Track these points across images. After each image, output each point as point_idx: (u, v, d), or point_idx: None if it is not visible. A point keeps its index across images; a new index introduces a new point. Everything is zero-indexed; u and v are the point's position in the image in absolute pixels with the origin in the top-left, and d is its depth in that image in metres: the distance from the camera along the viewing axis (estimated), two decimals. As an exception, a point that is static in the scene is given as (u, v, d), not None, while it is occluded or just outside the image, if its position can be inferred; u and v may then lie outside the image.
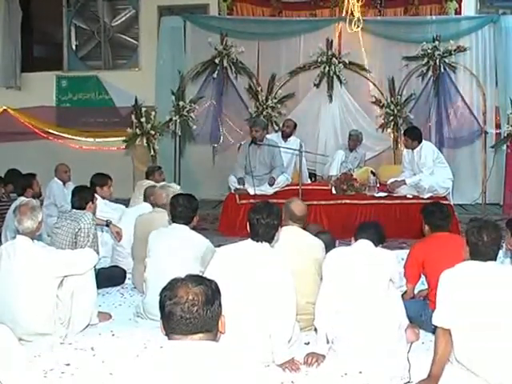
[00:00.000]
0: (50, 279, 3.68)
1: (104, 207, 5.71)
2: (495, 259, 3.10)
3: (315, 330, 3.62)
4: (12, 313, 3.58)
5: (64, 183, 6.86)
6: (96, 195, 5.12)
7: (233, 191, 7.14)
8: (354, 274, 3.48)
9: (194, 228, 4.22)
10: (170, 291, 1.91)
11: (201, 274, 2.98)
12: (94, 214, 4.81)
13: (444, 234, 4.03)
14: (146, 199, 5.54)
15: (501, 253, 4.59)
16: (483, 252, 3.03)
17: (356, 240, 3.66)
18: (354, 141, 7.93)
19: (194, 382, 1.78)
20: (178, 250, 3.99)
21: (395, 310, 3.51)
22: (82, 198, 4.72)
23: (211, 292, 1.93)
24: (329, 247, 4.02)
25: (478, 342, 2.91)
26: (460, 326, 2.96)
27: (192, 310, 1.87)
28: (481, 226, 3.06)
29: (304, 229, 4.14)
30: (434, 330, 3.21)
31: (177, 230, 4.12)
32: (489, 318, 2.91)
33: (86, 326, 3.95)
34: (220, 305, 1.95)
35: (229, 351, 1.90)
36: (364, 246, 3.59)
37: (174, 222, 4.16)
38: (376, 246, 3.63)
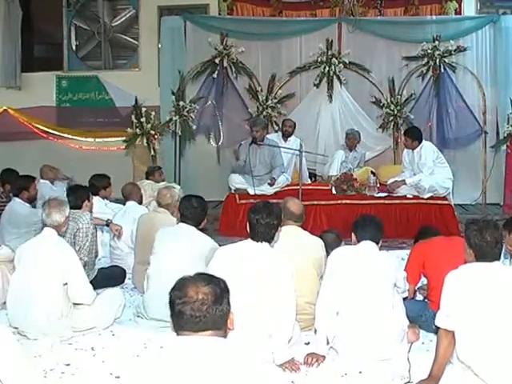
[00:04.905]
0: (59, 279, 3.77)
1: (105, 208, 5.72)
2: (499, 258, 3.09)
3: (315, 331, 3.62)
4: (25, 306, 3.69)
5: (52, 182, 6.93)
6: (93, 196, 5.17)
7: (233, 191, 7.15)
8: (356, 275, 3.47)
9: (201, 230, 4.21)
10: (179, 291, 1.93)
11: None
12: (90, 212, 4.83)
13: (443, 237, 4.05)
14: (126, 198, 5.65)
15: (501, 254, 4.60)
16: (489, 253, 3.01)
17: (357, 238, 3.64)
18: (351, 139, 7.94)
19: (203, 376, 1.80)
20: (183, 249, 3.99)
21: (396, 312, 3.51)
22: (78, 197, 4.74)
23: (220, 291, 1.95)
24: (333, 246, 4.02)
25: (483, 343, 2.89)
26: (465, 328, 2.94)
27: (201, 308, 1.89)
28: (482, 227, 3.04)
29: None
30: (435, 330, 3.21)
31: (183, 229, 4.12)
32: (495, 319, 2.89)
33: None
34: (228, 303, 1.97)
35: (238, 347, 1.93)
36: (368, 248, 3.57)
37: (183, 221, 4.14)
38: (378, 244, 3.63)
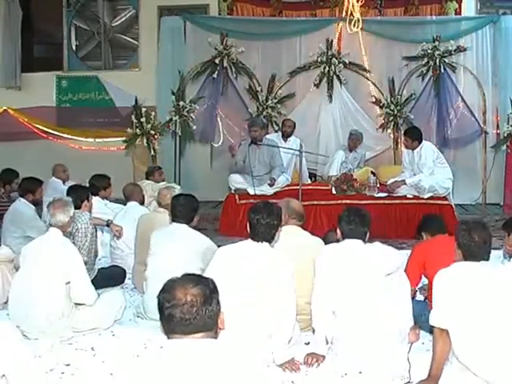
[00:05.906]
0: (61, 279, 3.77)
1: (104, 208, 5.72)
2: (488, 259, 3.12)
3: (313, 331, 3.61)
4: (26, 306, 3.69)
5: (63, 182, 6.93)
6: (93, 196, 5.17)
7: (233, 191, 7.15)
8: (342, 274, 3.44)
9: (194, 228, 4.24)
10: (167, 293, 1.91)
11: (200, 272, 2.98)
12: (90, 211, 4.83)
13: (444, 236, 4.05)
14: (128, 199, 5.66)
15: (501, 254, 4.60)
16: (476, 253, 3.06)
17: (342, 234, 3.56)
18: (354, 140, 7.94)
19: (197, 379, 1.79)
20: (178, 248, 4.00)
21: (398, 309, 3.48)
22: (78, 197, 4.74)
23: (209, 291, 1.93)
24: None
25: (474, 341, 2.92)
26: (456, 326, 2.96)
27: (191, 310, 1.87)
28: (470, 228, 3.09)
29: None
30: (430, 329, 3.22)
31: (177, 228, 4.14)
32: (484, 317, 2.92)
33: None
34: (218, 302, 1.95)
35: (230, 348, 1.91)
36: (352, 245, 3.50)
37: (174, 221, 4.19)
38: (365, 238, 3.55)
